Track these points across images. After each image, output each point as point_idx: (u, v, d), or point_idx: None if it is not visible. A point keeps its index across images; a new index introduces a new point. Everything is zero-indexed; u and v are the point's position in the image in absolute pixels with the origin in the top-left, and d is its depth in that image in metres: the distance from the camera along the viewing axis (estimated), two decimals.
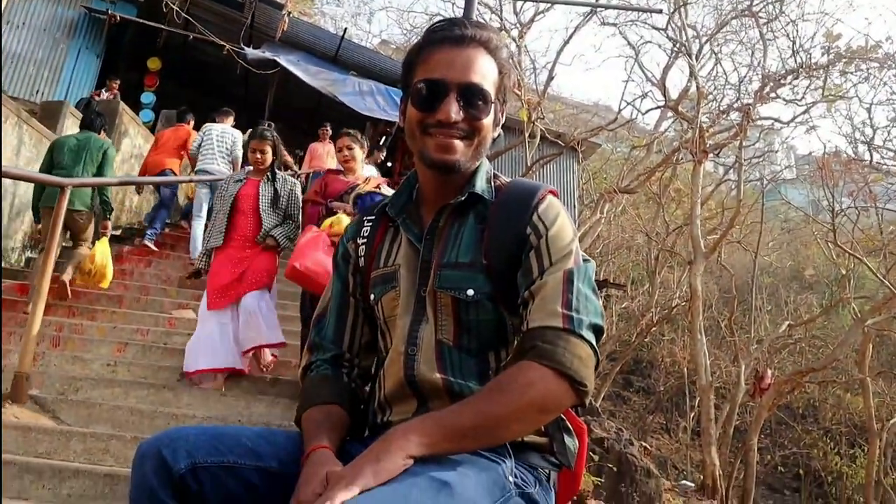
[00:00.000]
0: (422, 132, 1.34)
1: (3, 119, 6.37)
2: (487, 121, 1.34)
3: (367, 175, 4.92)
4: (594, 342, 1.23)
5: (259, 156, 4.88)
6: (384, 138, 13.68)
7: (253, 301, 4.60)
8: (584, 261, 1.32)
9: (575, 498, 1.49)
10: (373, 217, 1.52)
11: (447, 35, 1.34)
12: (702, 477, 11.34)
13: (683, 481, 12.01)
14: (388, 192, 4.35)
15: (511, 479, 1.20)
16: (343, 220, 4.25)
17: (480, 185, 1.39)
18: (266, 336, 4.64)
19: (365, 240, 1.49)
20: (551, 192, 1.39)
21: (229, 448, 1.21)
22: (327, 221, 4.39)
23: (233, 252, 4.74)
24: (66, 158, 6.01)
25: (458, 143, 1.32)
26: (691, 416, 16.32)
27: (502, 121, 1.44)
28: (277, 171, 5.03)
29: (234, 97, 14.65)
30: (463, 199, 1.37)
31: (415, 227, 1.42)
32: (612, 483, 5.82)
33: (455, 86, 1.30)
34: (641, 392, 18.74)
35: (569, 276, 1.26)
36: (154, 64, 12.98)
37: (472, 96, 1.31)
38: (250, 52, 11.37)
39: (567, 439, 1.36)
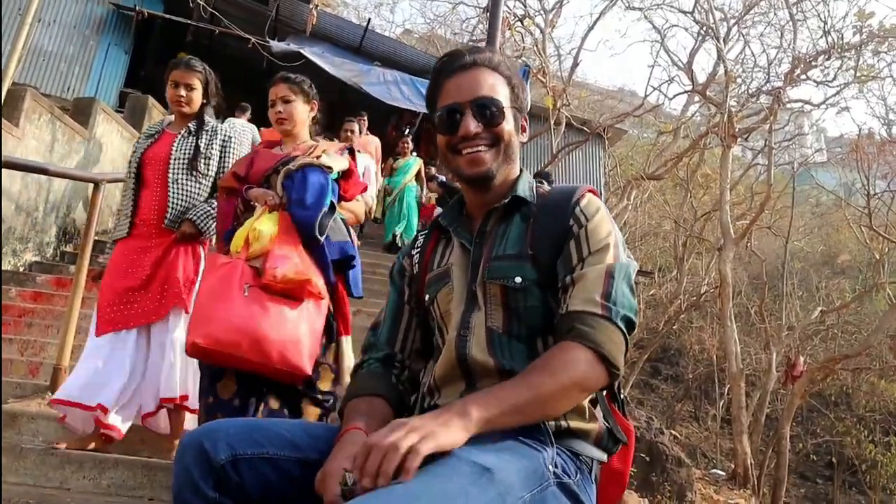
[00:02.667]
0: (452, 153, 1.48)
1: (36, 116, 6.48)
2: (507, 126, 1.47)
3: (313, 145, 3.04)
4: (626, 333, 1.33)
5: (183, 93, 3.33)
6: (409, 128, 13.70)
7: (164, 332, 3.21)
8: (628, 258, 1.42)
9: None
10: (426, 231, 1.65)
11: (451, 66, 1.49)
12: (733, 465, 11.25)
13: (714, 470, 11.93)
14: (337, 162, 2.94)
15: (550, 468, 1.23)
16: (264, 233, 2.66)
17: (523, 190, 1.51)
18: (163, 388, 3.19)
19: (419, 249, 1.62)
20: (590, 190, 1.50)
21: (269, 440, 1.24)
22: (240, 235, 2.73)
23: (135, 244, 3.26)
24: None
25: (485, 154, 1.45)
26: (720, 403, 16.18)
27: (527, 129, 1.58)
28: (211, 119, 3.48)
29: (260, 90, 14.72)
30: (507, 201, 1.48)
31: (465, 232, 1.53)
32: (642, 472, 5.81)
33: (467, 104, 1.44)
34: (670, 380, 18.61)
35: (610, 271, 1.36)
36: None
37: (485, 108, 1.44)
38: (275, 44, 11.43)
39: (616, 429, 1.41)
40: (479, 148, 1.44)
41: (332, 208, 2.85)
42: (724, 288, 11.58)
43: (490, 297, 1.41)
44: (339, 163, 2.95)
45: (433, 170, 10.54)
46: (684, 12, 13.50)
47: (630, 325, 1.34)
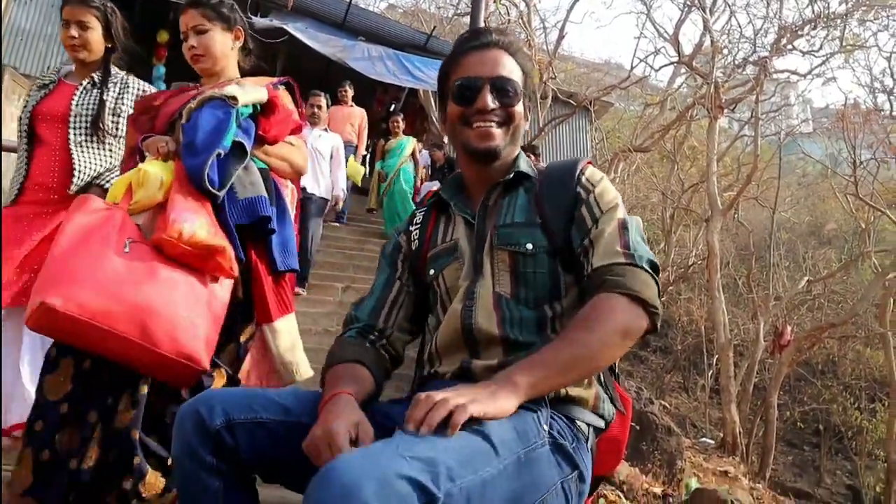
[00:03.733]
0: (462, 124, 1.51)
1: (16, 97, 6.38)
2: (519, 108, 1.52)
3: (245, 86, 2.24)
4: (654, 274, 1.37)
5: (75, 32, 2.69)
6: (394, 104, 13.60)
7: (20, 325, 2.40)
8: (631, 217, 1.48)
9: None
10: (424, 209, 1.66)
11: (475, 43, 1.53)
12: (721, 434, 11.40)
13: (703, 439, 12.08)
14: (247, 93, 2.14)
15: (545, 427, 1.26)
16: (152, 176, 1.99)
17: (524, 166, 1.56)
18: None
19: (418, 225, 1.63)
20: (589, 163, 1.57)
21: (262, 405, 1.28)
22: (120, 182, 2.05)
23: (29, 211, 2.61)
24: None
25: (497, 130, 1.49)
26: (709, 374, 16.35)
27: (530, 116, 1.61)
28: (119, 70, 2.85)
29: (241, 66, 14.56)
30: (511, 176, 1.53)
31: (467, 207, 1.56)
32: (632, 441, 5.86)
33: (487, 79, 1.48)
34: (659, 351, 18.76)
35: (623, 224, 1.42)
36: (163, 37, 12.91)
37: (504, 87, 1.49)
38: (258, 20, 11.26)
39: (615, 396, 1.46)
40: (491, 124, 1.48)
41: (241, 152, 2.11)
42: (711, 259, 11.64)
43: (498, 264, 1.45)
44: (250, 93, 2.16)
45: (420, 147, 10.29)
46: None
47: (655, 267, 1.38)
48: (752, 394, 13.29)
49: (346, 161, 8.24)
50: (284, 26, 11.40)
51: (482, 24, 5.59)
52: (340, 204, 6.76)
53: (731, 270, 17.50)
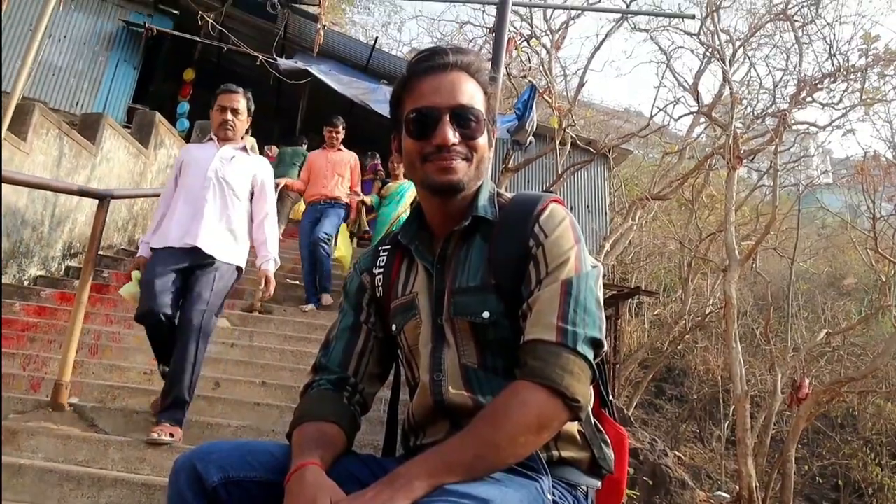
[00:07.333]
0: (422, 161, 1.35)
1: (44, 131, 6.52)
2: (483, 140, 1.36)
3: None
4: (590, 356, 1.22)
5: None
6: None
7: None
8: (592, 267, 1.32)
9: None
10: (388, 247, 1.53)
11: (430, 64, 1.35)
12: (737, 488, 11.14)
13: (718, 492, 11.81)
14: None
15: (549, 497, 1.21)
16: None
17: (483, 205, 1.40)
18: None
19: (382, 270, 1.51)
20: (555, 200, 1.39)
21: (260, 463, 1.25)
22: None
23: None
24: (288, 161, 9.56)
25: (460, 164, 1.34)
26: (725, 425, 16.06)
27: (493, 141, 1.45)
28: None
29: (267, 106, 14.85)
30: (467, 223, 1.38)
31: (427, 253, 1.44)
32: (646, 495, 5.76)
33: (447, 109, 1.32)
34: (674, 400, 18.48)
35: (567, 287, 1.25)
36: (189, 75, 13.22)
37: (465, 118, 1.33)
38: (283, 62, 11.53)
39: (605, 449, 1.36)
40: (454, 161, 1.33)
41: None
42: (728, 309, 11.52)
43: (459, 333, 1.34)
44: None
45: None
46: (690, 34, 13.54)
47: (596, 345, 1.24)
48: (770, 446, 13.02)
49: (334, 228, 6.75)
50: (308, 68, 11.64)
51: (501, 68, 5.62)
52: (271, 289, 3.88)
53: (749, 320, 17.30)
